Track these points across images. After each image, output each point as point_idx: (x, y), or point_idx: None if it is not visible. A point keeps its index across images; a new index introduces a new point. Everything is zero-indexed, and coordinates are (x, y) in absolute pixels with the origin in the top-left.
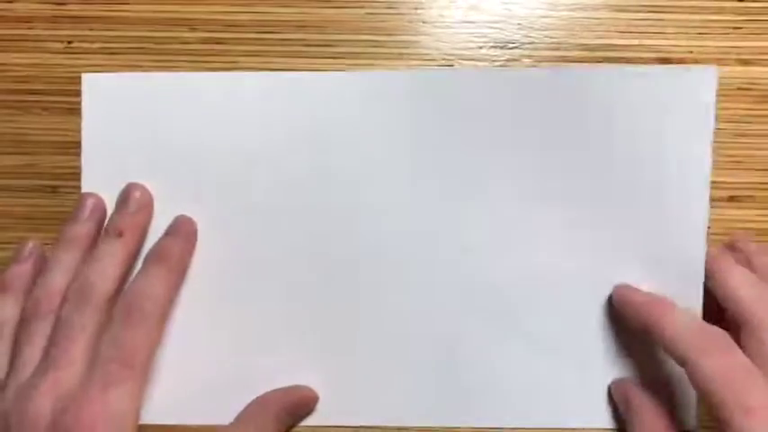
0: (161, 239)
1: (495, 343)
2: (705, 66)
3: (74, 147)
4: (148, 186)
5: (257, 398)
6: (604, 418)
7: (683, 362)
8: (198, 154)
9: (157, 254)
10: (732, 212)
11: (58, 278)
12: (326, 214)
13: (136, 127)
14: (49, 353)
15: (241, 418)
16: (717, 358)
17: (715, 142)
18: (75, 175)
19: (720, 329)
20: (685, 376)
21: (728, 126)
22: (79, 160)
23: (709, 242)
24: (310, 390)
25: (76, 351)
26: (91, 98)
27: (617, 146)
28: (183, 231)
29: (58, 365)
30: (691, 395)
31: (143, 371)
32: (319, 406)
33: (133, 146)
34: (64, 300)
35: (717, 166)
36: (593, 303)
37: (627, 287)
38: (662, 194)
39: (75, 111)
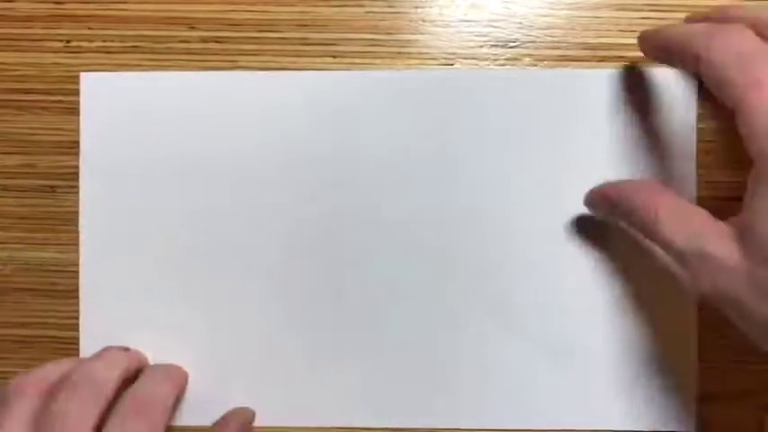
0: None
1: (494, 343)
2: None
3: (72, 146)
4: (148, 186)
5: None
6: (604, 418)
7: (695, 58)
8: (197, 153)
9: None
10: (733, 212)
11: (62, 365)
12: (326, 214)
13: (135, 127)
14: None
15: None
16: (727, 38)
17: (715, 142)
18: (74, 174)
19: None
20: (685, 375)
21: (729, 126)
22: (78, 160)
23: None
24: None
25: None
26: (89, 98)
27: (606, 145)
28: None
29: None
30: (690, 395)
31: None
32: (316, 408)
33: (132, 145)
34: (58, 389)
35: (717, 166)
36: (593, 303)
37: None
38: None
39: (73, 110)
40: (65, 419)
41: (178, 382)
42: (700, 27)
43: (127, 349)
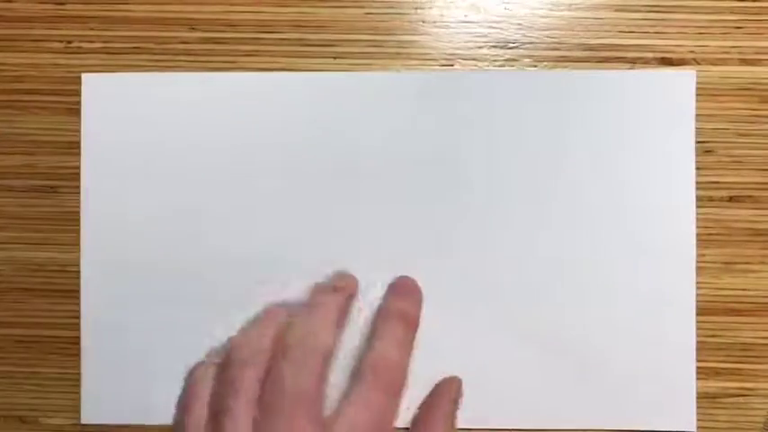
0: (394, 299)
1: (493, 343)
2: (683, 70)
3: (73, 147)
4: (148, 186)
5: (429, 402)
6: (605, 418)
7: None
8: (198, 154)
9: (398, 314)
10: (732, 212)
11: (267, 326)
12: (326, 214)
13: (135, 127)
14: (273, 418)
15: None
16: None
17: (716, 142)
18: (75, 174)
19: None
20: (685, 376)
21: (730, 126)
22: (79, 160)
23: (710, 242)
24: (453, 377)
25: (304, 418)
26: (90, 98)
27: (603, 148)
28: (410, 291)
29: (294, 427)
30: (690, 395)
31: None
32: None
33: (133, 146)
34: (279, 355)
35: (717, 166)
36: (592, 303)
37: None
38: (648, 197)
39: (74, 111)
40: (291, 395)
41: (411, 340)
42: None
43: (336, 290)
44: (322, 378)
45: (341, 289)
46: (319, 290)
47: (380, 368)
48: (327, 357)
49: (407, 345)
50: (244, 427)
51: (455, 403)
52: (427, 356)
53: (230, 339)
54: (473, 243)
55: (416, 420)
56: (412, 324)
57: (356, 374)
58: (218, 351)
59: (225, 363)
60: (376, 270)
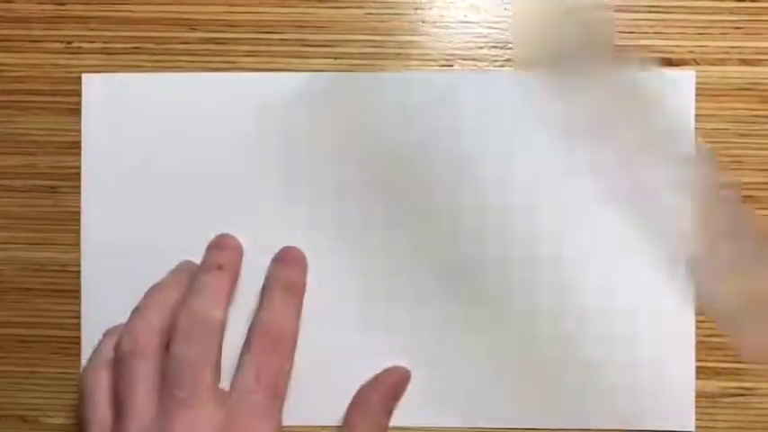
0: (279, 268)
1: (494, 342)
2: (683, 70)
3: (73, 147)
4: (149, 186)
5: (358, 397)
6: (605, 418)
7: None
8: (198, 154)
9: (283, 285)
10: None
11: (153, 315)
12: (324, 214)
13: (135, 127)
14: (173, 390)
15: (351, 423)
16: None
17: (716, 142)
18: (75, 175)
19: None
20: (685, 377)
21: (730, 126)
22: (79, 160)
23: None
24: (402, 368)
25: (204, 388)
26: (91, 98)
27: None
28: (296, 259)
29: (189, 404)
30: (689, 395)
31: (284, 396)
32: (327, 408)
33: (133, 146)
34: (173, 336)
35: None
36: (591, 302)
37: None
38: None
39: (74, 111)
40: (189, 369)
41: (298, 306)
42: None
43: (221, 268)
44: (216, 352)
45: (225, 266)
46: (204, 269)
47: (268, 335)
48: (219, 332)
49: (294, 311)
50: (147, 414)
51: (392, 391)
52: (428, 356)
53: (109, 334)
54: (472, 242)
55: (348, 408)
56: (297, 291)
57: (247, 340)
58: (102, 349)
59: (117, 360)
60: (375, 266)
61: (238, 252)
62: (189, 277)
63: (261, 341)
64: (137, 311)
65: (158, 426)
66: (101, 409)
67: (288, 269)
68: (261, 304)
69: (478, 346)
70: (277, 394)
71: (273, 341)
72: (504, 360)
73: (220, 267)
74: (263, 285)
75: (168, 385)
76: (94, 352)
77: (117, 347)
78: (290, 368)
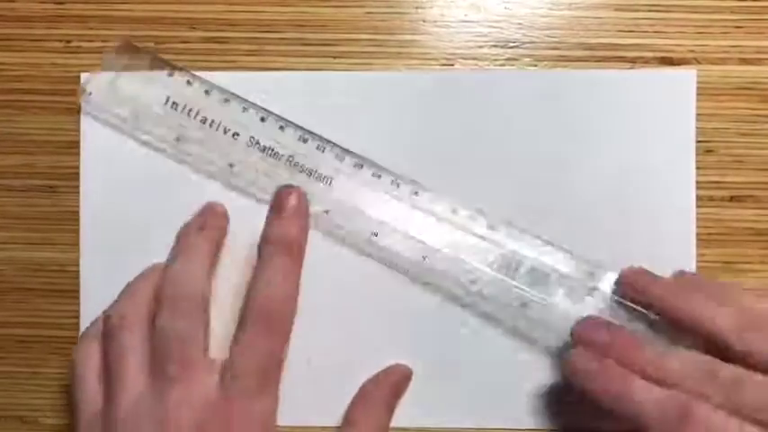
0: (275, 224)
1: (493, 343)
2: (683, 69)
3: (72, 147)
4: (148, 186)
5: (360, 394)
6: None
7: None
8: (197, 154)
9: (278, 242)
10: (733, 212)
11: (140, 288)
12: (325, 213)
13: (135, 127)
14: (163, 366)
15: (353, 419)
16: None
17: (717, 142)
18: (74, 174)
19: None
20: None
21: (731, 126)
22: (78, 160)
23: (710, 242)
24: (404, 365)
25: (195, 362)
26: (90, 98)
27: (604, 148)
28: (293, 208)
29: (182, 379)
30: None
31: (280, 376)
32: (327, 408)
33: (132, 146)
34: (158, 308)
35: (718, 166)
36: (592, 303)
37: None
38: (648, 196)
39: (73, 110)
40: (178, 343)
41: (297, 271)
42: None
43: (202, 228)
44: (204, 322)
45: (208, 227)
46: (185, 232)
47: (264, 313)
48: (205, 299)
49: (293, 278)
50: (137, 388)
51: (394, 389)
52: (428, 356)
53: (104, 312)
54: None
55: (349, 405)
56: (297, 252)
57: (242, 317)
58: (93, 326)
59: (105, 334)
60: (375, 268)
61: (221, 214)
62: None
63: (256, 320)
64: (126, 287)
65: (150, 401)
66: (90, 388)
67: (286, 225)
68: (256, 269)
69: (478, 347)
70: (272, 375)
71: (270, 320)
72: (503, 359)
73: (201, 227)
74: (260, 241)
75: (158, 360)
76: (87, 328)
77: (105, 322)
78: (287, 339)
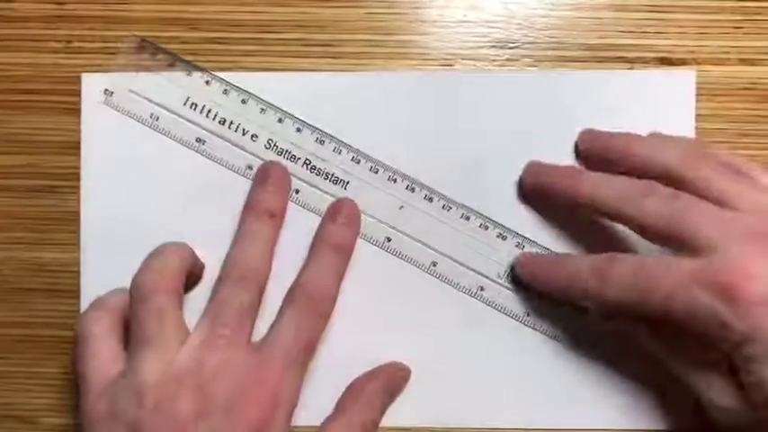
0: (332, 225)
1: (494, 342)
2: (683, 70)
3: (73, 146)
4: (148, 186)
5: (353, 385)
6: (604, 418)
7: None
8: (198, 153)
9: (334, 243)
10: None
11: (173, 258)
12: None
13: (135, 127)
14: (215, 329)
15: (343, 407)
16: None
17: (717, 142)
18: (75, 174)
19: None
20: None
21: (731, 126)
22: (79, 160)
23: None
24: (401, 364)
25: (245, 332)
26: (90, 98)
27: None
28: (352, 217)
29: (231, 342)
30: (688, 397)
31: (311, 358)
32: (327, 408)
33: (132, 146)
34: (221, 277)
35: None
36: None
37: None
38: None
39: (74, 111)
40: (235, 311)
41: (343, 268)
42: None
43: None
44: (259, 302)
45: (278, 215)
46: (254, 214)
47: (311, 295)
48: (264, 283)
49: (338, 273)
50: (171, 350)
51: (388, 385)
52: (428, 356)
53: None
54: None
55: (341, 395)
56: (346, 252)
57: (288, 299)
58: (100, 300)
59: (137, 299)
60: (375, 267)
61: (287, 191)
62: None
63: (303, 300)
64: (152, 256)
65: (191, 356)
66: (103, 356)
67: (341, 229)
68: (308, 260)
69: (478, 347)
70: (309, 352)
71: (315, 303)
72: (503, 359)
73: (272, 216)
74: (314, 237)
75: (211, 322)
76: (93, 302)
77: (137, 288)
78: (325, 326)
